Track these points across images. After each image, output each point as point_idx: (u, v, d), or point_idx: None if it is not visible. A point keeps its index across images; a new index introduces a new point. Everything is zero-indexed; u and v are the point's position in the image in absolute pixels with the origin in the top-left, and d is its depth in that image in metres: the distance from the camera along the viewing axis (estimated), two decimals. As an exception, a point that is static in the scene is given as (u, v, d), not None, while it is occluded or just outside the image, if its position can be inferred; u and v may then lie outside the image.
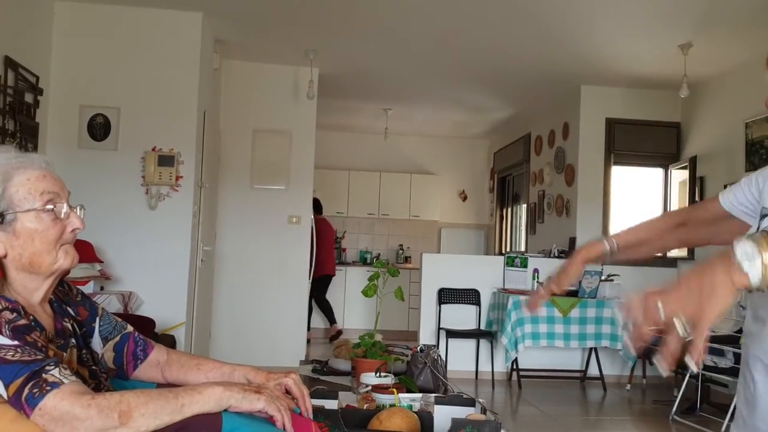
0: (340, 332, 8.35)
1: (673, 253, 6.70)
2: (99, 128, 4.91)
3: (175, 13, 5.04)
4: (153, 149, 4.94)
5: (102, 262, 4.63)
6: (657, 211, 6.93)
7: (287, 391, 1.54)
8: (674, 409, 5.10)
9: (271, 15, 5.16)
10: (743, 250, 0.93)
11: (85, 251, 4.40)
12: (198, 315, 5.30)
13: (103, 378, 1.51)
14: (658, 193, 6.95)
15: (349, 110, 8.45)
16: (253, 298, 6.26)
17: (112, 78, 4.95)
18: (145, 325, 4.50)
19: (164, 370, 1.65)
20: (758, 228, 1.35)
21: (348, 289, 8.98)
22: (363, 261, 9.49)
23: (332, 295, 8.77)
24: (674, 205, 6.83)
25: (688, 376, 5.10)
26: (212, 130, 5.59)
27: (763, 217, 1.38)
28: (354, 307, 8.85)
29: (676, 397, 5.22)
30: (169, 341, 4.72)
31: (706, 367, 4.94)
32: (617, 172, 6.88)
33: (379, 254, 9.81)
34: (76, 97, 4.88)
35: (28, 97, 4.48)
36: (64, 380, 1.21)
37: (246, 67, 6.34)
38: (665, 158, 6.86)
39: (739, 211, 1.47)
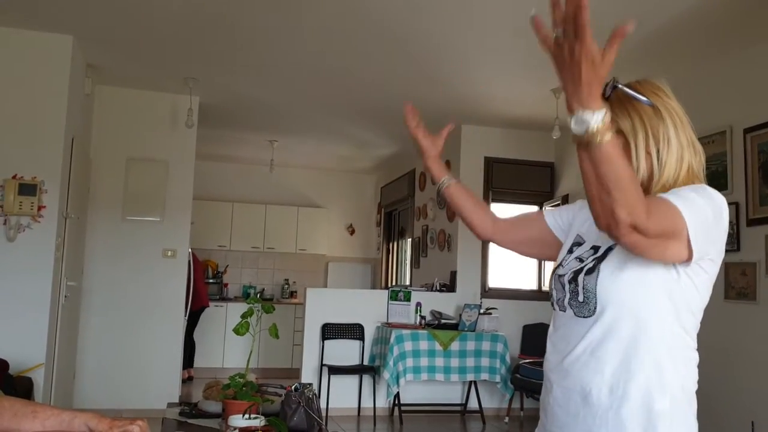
0: (191, 378, 8.01)
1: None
2: (-49, 153, 4.52)
3: (43, 35, 4.75)
4: (14, 177, 4.58)
5: (-52, 298, 4.22)
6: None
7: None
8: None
9: (148, 41, 4.98)
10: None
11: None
12: (60, 355, 4.92)
13: None
14: (534, 229, 7.24)
15: (233, 141, 8.29)
16: (123, 336, 5.90)
17: (-32, 100, 4.59)
18: (-4, 368, 4.13)
19: (-7, 420, 1.48)
20: (569, 250, 1.54)
21: (228, 326, 8.69)
22: (246, 296, 9.23)
23: (211, 333, 8.46)
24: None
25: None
26: (81, 157, 5.29)
27: (577, 244, 1.54)
28: (234, 346, 8.56)
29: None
30: (26, 384, 4.35)
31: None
32: (495, 208, 7.06)
33: (264, 289, 9.59)
34: (-75, 118, 4.48)
35: None
36: None
37: (121, 94, 6.07)
38: (540, 196, 7.18)
39: (558, 229, 1.66)
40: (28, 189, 4.55)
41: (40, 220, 4.62)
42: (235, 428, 2.20)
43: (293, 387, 2.63)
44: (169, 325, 6.04)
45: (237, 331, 2.81)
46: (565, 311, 1.45)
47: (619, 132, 1.38)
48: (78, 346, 5.75)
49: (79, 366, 5.76)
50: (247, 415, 2.27)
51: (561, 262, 1.53)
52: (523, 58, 5.12)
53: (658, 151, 1.39)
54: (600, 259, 1.40)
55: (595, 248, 1.46)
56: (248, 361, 3.01)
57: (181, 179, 6.17)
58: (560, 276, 1.49)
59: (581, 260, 1.46)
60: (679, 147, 1.39)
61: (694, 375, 1.39)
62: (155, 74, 5.75)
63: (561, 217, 1.66)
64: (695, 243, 1.26)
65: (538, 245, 1.72)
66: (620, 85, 1.40)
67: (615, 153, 1.13)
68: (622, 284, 1.34)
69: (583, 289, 1.39)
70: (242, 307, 8.67)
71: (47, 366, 4.62)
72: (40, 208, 4.59)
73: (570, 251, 1.53)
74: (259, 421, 2.25)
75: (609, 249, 1.40)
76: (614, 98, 1.41)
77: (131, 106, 6.12)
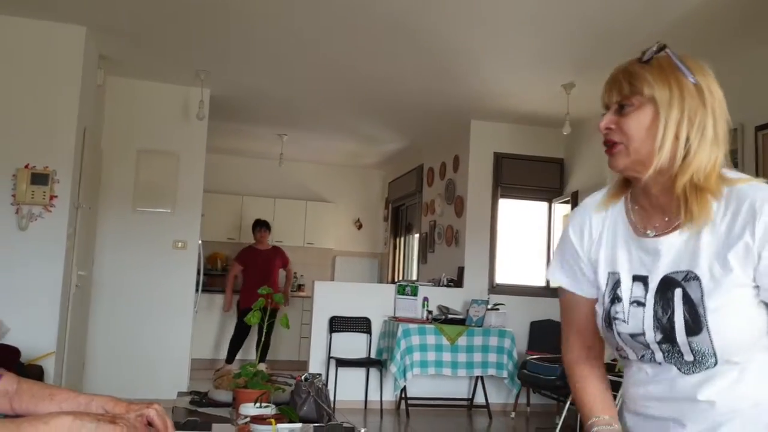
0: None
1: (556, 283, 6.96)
2: (-36, 142, 4.55)
3: (56, 25, 4.78)
4: (26, 166, 4.62)
5: (-39, 286, 4.25)
6: (541, 243, 7.20)
7: (149, 423, 1.43)
8: (555, 435, 5.24)
9: (161, 33, 5.00)
10: None
11: (-58, 274, 4.03)
12: (70, 344, 4.96)
13: (-65, 411, 1.35)
14: (542, 225, 7.24)
15: (242, 134, 8.31)
16: (132, 326, 5.93)
17: (-18, 90, 4.62)
18: (8, 355, 4.17)
19: (13, 401, 1.50)
20: (613, 297, 1.33)
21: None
22: (254, 289, 9.27)
23: (221, 325, 8.53)
24: (556, 238, 7.12)
25: (568, 404, 5.27)
26: (93, 148, 5.31)
27: (616, 284, 1.33)
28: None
29: (558, 424, 5.38)
30: (37, 372, 4.39)
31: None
32: (504, 204, 7.11)
33: (271, 282, 9.61)
34: (-62, 108, 4.52)
35: None
36: None
37: (132, 85, 6.09)
38: (549, 192, 7.17)
39: (592, 286, 1.41)
40: (40, 178, 4.58)
41: (52, 209, 4.65)
42: (246, 416, 2.21)
43: (303, 377, 2.65)
44: (178, 316, 6.07)
45: (249, 320, 2.84)
46: (660, 364, 1.29)
47: (652, 101, 1.22)
48: (88, 336, 5.79)
49: (89, 355, 5.80)
50: (258, 404, 2.29)
51: (613, 314, 1.32)
52: (533, 54, 5.12)
53: (688, 137, 1.21)
54: (665, 298, 1.24)
55: (640, 279, 1.29)
56: (258, 350, 3.03)
57: (192, 171, 6.20)
58: (633, 335, 1.29)
59: (639, 303, 1.28)
60: (714, 140, 1.22)
61: None
62: (167, 66, 5.77)
63: (580, 270, 1.41)
64: None
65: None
66: (668, 51, 1.24)
67: None
68: (739, 334, 1.21)
69: (693, 350, 1.22)
70: (250, 299, 8.74)
71: (58, 354, 4.65)
72: (51, 197, 4.63)
73: (615, 298, 1.32)
74: (270, 410, 2.27)
75: (672, 281, 1.24)
76: (655, 64, 1.24)
77: (142, 98, 6.14)
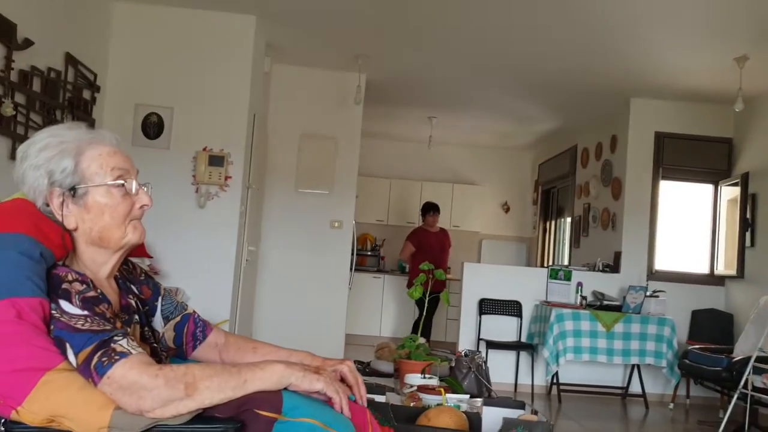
0: None
1: (720, 270, 6.53)
2: (153, 127, 5.02)
3: (230, 15, 5.13)
4: (204, 149, 5.02)
5: (151, 257, 4.71)
6: (705, 228, 6.77)
7: (342, 379, 1.55)
8: (720, 431, 4.94)
9: (324, 20, 5.21)
10: None
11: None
12: (241, 313, 5.36)
13: (163, 356, 1.54)
14: (707, 210, 6.80)
15: (393, 117, 8.48)
16: (293, 298, 6.30)
17: (167, 78, 5.05)
18: (189, 321, 4.57)
19: (222, 352, 1.67)
20: None
21: (385, 297, 9.01)
22: (402, 270, 9.46)
23: (370, 303, 8.83)
24: (723, 223, 6.66)
25: (735, 397, 4.95)
26: (261, 132, 5.67)
27: None
28: (390, 315, 8.90)
29: (722, 419, 5.07)
30: (212, 339, 4.77)
31: (755, 389, 4.78)
32: (665, 186, 6.75)
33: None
34: (131, 95, 4.99)
35: (86, 94, 4.61)
36: (132, 351, 1.24)
37: (295, 72, 6.42)
38: (715, 174, 6.71)
39: None
40: (216, 160, 4.97)
41: (227, 189, 5.02)
42: (412, 386, 2.30)
43: (463, 353, 2.71)
44: (334, 292, 6.37)
45: (411, 294, 2.96)
46: None
47: None
48: (255, 306, 6.22)
49: (255, 324, 6.22)
50: (423, 375, 2.37)
51: None
52: (702, 24, 4.80)
53: None
54: None
55: None
56: (420, 322, 3.13)
57: (348, 155, 6.46)
58: None
59: None
60: None
61: None
62: (327, 52, 6.01)
63: None
64: None
65: None
66: None
67: None
68: None
69: None
70: (398, 279, 8.98)
71: (231, 322, 5.05)
72: (226, 178, 5.00)
73: None
74: (435, 381, 2.34)
75: None
76: None
77: (304, 84, 6.45)
